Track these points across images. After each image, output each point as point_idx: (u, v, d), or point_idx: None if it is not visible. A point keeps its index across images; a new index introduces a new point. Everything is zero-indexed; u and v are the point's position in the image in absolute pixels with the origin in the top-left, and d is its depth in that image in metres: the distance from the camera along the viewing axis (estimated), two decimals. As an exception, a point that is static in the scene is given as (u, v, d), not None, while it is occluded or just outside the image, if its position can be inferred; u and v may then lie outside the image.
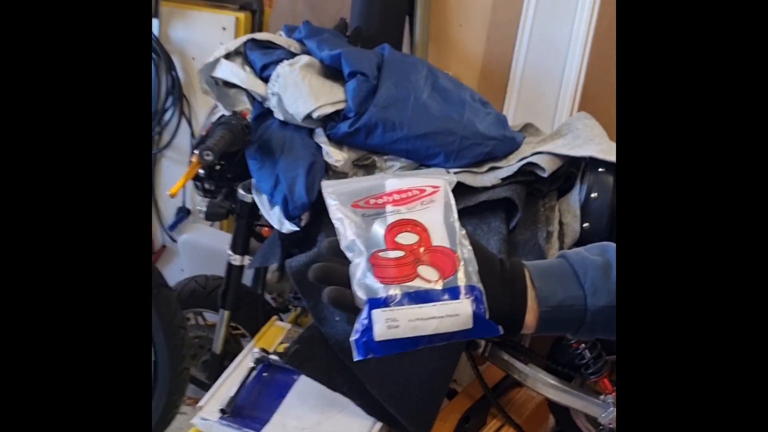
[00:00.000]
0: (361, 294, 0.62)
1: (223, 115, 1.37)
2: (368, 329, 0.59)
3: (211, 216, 1.46)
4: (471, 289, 0.61)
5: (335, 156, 1.34)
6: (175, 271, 2.07)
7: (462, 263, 0.63)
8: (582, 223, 1.29)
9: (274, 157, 1.36)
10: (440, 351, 1.30)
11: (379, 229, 0.66)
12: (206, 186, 1.53)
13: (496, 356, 1.47)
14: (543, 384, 1.42)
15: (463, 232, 0.65)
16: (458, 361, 1.38)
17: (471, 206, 1.29)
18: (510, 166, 1.33)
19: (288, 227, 1.35)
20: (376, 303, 0.60)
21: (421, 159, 1.37)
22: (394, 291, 0.60)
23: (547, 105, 1.88)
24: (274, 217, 1.37)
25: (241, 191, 1.50)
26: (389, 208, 0.67)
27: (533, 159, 1.29)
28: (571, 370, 1.43)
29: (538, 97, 1.89)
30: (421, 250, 0.64)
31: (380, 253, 0.64)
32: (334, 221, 0.68)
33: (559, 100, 1.87)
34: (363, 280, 0.63)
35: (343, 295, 0.64)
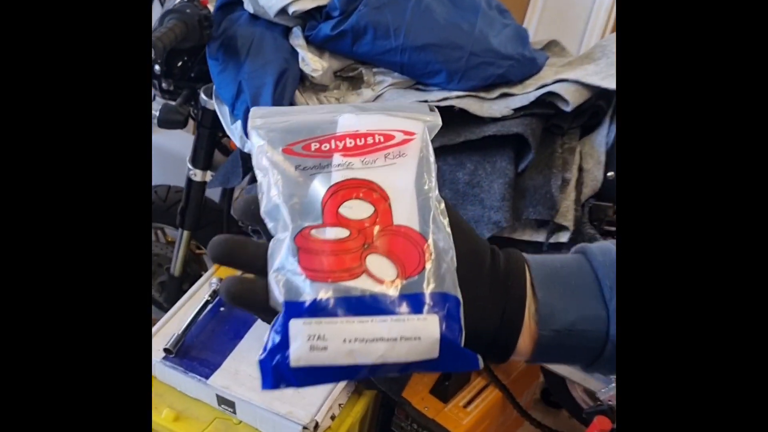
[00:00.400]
0: (277, 291, 0.41)
1: (179, 1, 1.11)
2: (281, 347, 0.40)
3: (164, 123, 1.22)
4: (442, 299, 0.41)
5: (313, 64, 1.09)
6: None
7: (433, 256, 0.42)
8: (606, 171, 1.06)
9: (239, 59, 1.11)
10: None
11: (317, 190, 0.43)
12: (163, 86, 1.28)
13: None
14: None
15: (442, 206, 0.44)
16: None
17: (474, 140, 1.05)
18: (526, 94, 1.08)
19: (249, 147, 1.12)
20: (297, 309, 0.40)
21: (417, 76, 1.11)
22: (326, 293, 0.40)
23: (577, 17, 1.59)
24: (236, 132, 1.14)
25: (203, 96, 1.26)
26: (337, 159, 0.45)
27: (555, 88, 1.04)
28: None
29: (568, 7, 1.59)
30: (376, 230, 0.43)
31: (313, 231, 0.42)
32: (256, 171, 0.46)
33: (592, 11, 1.57)
34: (282, 270, 0.42)
35: (249, 290, 0.43)
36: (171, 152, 1.66)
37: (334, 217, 0.43)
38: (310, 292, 0.40)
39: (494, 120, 1.06)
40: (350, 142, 0.45)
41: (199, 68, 1.26)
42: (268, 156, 0.45)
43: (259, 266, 0.43)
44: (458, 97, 1.08)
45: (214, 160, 1.35)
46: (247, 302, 0.43)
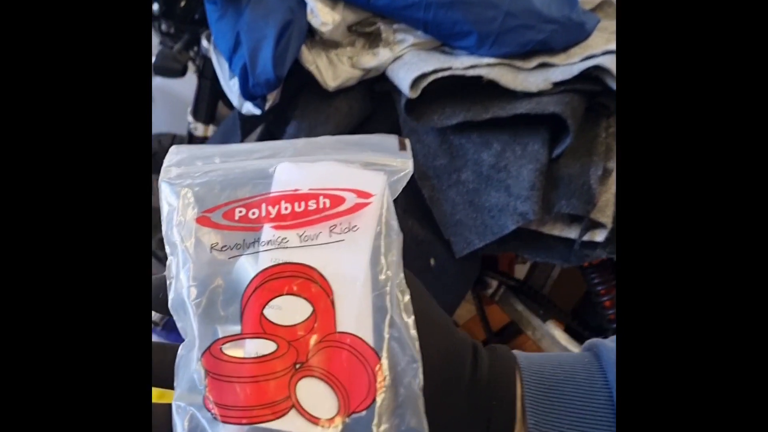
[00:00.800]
0: (179, 426, 0.31)
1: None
2: None
3: (160, 70, 1.09)
4: None
5: (322, 16, 0.93)
6: (155, 121, 1.73)
7: (387, 381, 0.32)
8: (657, 162, 0.90)
9: (239, 6, 0.96)
10: (441, 288, 0.99)
11: (239, 280, 0.32)
12: (163, 28, 1.15)
13: (508, 303, 1.15)
14: (559, 349, 1.10)
15: (407, 298, 0.34)
16: (461, 301, 1.09)
17: (503, 117, 0.89)
18: (569, 65, 0.91)
19: (248, 109, 0.98)
20: None
21: (443, 37, 0.95)
22: None
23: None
24: (233, 90, 1.00)
25: (205, 42, 1.12)
26: (268, 232, 0.35)
27: (604, 61, 0.87)
28: (599, 335, 1.11)
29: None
30: (312, 341, 0.33)
31: (226, 346, 0.31)
32: (165, 243, 0.34)
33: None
34: (186, 401, 0.30)
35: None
36: (179, 97, 1.53)
37: (256, 323, 0.31)
38: None
39: (529, 95, 0.90)
40: (286, 208, 0.33)
41: (203, 9, 1.12)
42: (179, 227, 0.33)
43: (167, 377, 0.33)
44: (489, 65, 0.91)
45: (218, 114, 1.22)
46: None
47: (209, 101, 1.19)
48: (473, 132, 0.94)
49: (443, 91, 0.93)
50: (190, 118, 1.22)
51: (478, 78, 0.90)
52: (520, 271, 1.27)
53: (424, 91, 0.91)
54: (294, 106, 1.01)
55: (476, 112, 0.91)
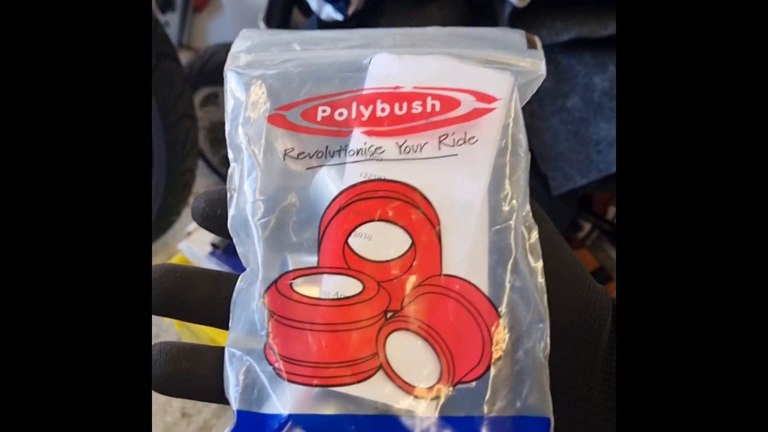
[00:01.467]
0: (232, 384, 0.24)
1: None
2: None
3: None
4: (519, 427, 0.23)
5: None
6: (221, 31, 1.65)
7: (507, 343, 0.24)
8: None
9: None
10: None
11: (318, 198, 0.24)
12: None
13: (601, 249, 1.05)
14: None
15: (534, 236, 0.26)
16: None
17: (596, 38, 0.78)
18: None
19: (328, 13, 0.89)
20: (256, 429, 0.23)
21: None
22: (310, 406, 0.23)
23: None
24: (314, -9, 0.90)
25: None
26: (358, 138, 0.27)
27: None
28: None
29: None
30: (409, 283, 0.24)
31: (298, 282, 0.22)
32: (228, 147, 0.28)
33: None
34: (242, 349, 0.25)
35: (186, 373, 0.26)
36: (249, 2, 1.44)
37: (338, 255, 0.23)
38: (282, 400, 0.23)
39: None
40: (383, 109, 0.26)
41: None
42: (247, 127, 0.26)
43: (219, 315, 0.27)
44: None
45: (293, 22, 1.13)
46: (184, 391, 0.25)
47: (284, 6, 1.09)
48: (586, 52, 0.82)
49: (555, 1, 0.81)
50: (261, 25, 1.13)
51: (600, -13, 0.78)
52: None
53: (533, 0, 0.79)
54: (380, 13, 0.90)
55: (592, 28, 0.79)
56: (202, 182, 1.50)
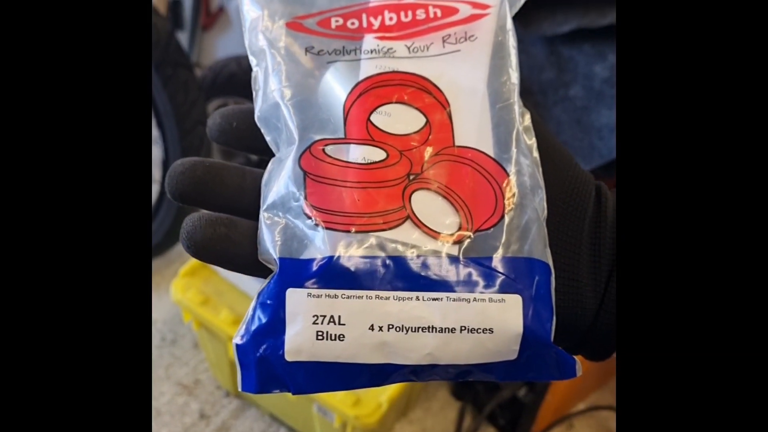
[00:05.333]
0: (269, 241, 0.27)
1: None
2: (272, 330, 0.26)
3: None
4: (528, 267, 0.27)
5: None
6: (229, 48, 1.70)
7: (516, 199, 0.28)
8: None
9: None
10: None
11: (338, 86, 0.27)
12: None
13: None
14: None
15: (528, 119, 0.30)
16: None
17: (596, 28, 0.81)
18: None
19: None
20: (299, 272, 0.26)
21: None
22: (347, 249, 0.26)
23: None
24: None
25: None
26: (370, 42, 0.31)
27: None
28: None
29: None
30: (427, 153, 0.28)
31: (330, 148, 0.26)
32: (249, 57, 0.32)
33: None
34: (279, 208, 0.28)
35: (223, 238, 0.28)
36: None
37: (362, 129, 0.26)
38: (321, 245, 0.26)
39: None
40: (391, 18, 0.30)
41: None
42: (267, 33, 0.29)
43: (245, 204, 0.28)
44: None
45: None
46: (221, 256, 0.28)
47: None
48: (586, 42, 0.85)
49: (555, -7, 0.85)
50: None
51: (597, -22, 0.82)
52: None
53: (534, -7, 0.83)
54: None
55: (592, 18, 0.83)
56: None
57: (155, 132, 1.19)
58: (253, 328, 0.26)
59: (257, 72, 0.30)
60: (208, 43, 1.75)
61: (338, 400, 0.90)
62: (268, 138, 0.29)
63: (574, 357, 0.27)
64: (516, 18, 0.86)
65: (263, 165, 0.29)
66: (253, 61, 0.30)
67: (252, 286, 1.00)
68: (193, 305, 0.98)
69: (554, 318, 0.27)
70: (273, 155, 0.29)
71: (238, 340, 0.26)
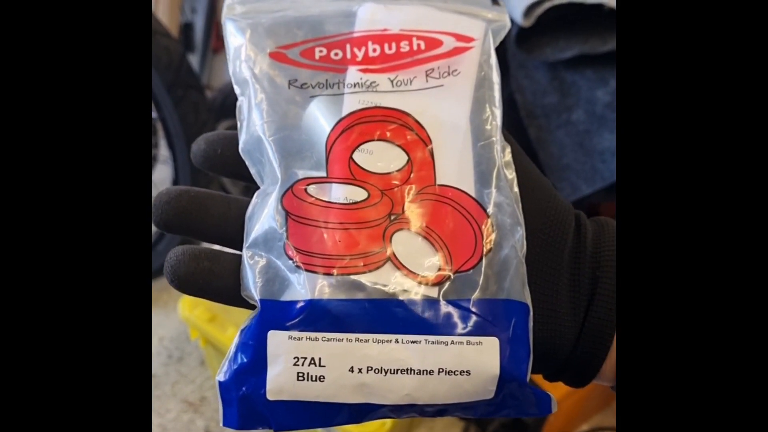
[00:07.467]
0: (251, 280, 0.28)
1: None
2: (254, 369, 0.27)
3: None
4: (505, 309, 0.27)
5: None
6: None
7: (494, 239, 0.28)
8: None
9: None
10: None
11: (321, 121, 0.28)
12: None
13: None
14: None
15: (508, 153, 0.30)
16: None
17: (597, 54, 0.82)
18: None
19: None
20: (280, 314, 0.27)
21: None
22: (327, 292, 0.27)
23: None
24: None
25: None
26: (353, 74, 0.31)
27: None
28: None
29: None
30: (409, 192, 0.29)
31: (311, 188, 0.26)
32: (234, 86, 0.30)
33: None
34: (262, 247, 0.28)
35: (206, 272, 0.29)
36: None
37: (344, 168, 0.27)
38: (302, 288, 0.27)
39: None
40: (374, 50, 0.30)
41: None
42: (249, 62, 0.29)
43: (229, 233, 0.28)
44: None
45: None
46: (204, 289, 0.28)
47: None
48: (588, 68, 0.86)
49: (558, 21, 0.86)
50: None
51: (599, 6, 0.83)
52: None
53: (538, 21, 0.84)
54: None
55: (593, 45, 0.84)
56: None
57: (165, 152, 1.20)
58: (235, 367, 0.26)
59: (242, 102, 0.30)
60: (218, 66, 1.77)
61: (341, 419, 0.90)
62: (252, 170, 0.29)
63: (549, 393, 0.28)
64: (519, 44, 0.87)
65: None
66: (237, 90, 0.31)
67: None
68: (201, 322, 0.99)
69: (531, 356, 0.27)
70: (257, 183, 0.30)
71: (220, 377, 0.27)
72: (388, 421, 0.91)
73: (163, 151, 1.24)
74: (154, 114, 1.16)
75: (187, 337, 1.31)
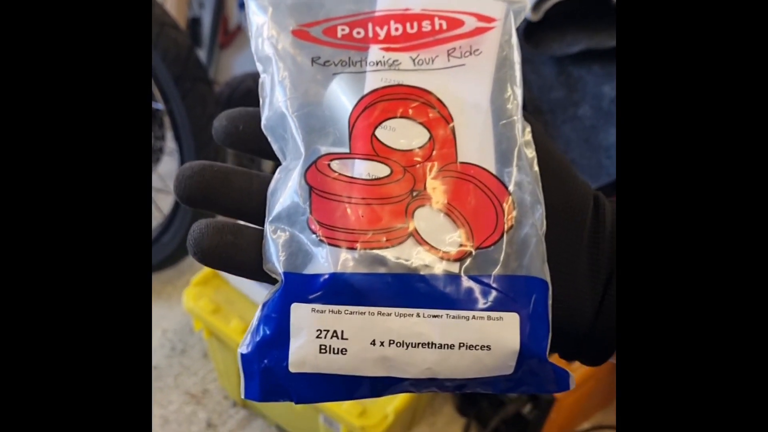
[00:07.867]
0: (274, 254, 0.28)
1: None
2: (276, 342, 0.27)
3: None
4: (526, 285, 0.28)
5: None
6: (246, 66, 1.72)
7: (515, 217, 0.28)
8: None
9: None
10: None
11: (343, 98, 0.28)
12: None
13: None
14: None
15: (528, 133, 0.30)
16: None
17: (604, 49, 0.83)
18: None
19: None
20: (303, 287, 0.27)
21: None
22: (350, 265, 0.27)
23: None
24: None
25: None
26: (375, 53, 0.31)
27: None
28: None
29: None
30: (431, 169, 0.29)
31: (335, 163, 0.27)
32: (256, 64, 0.30)
33: None
34: (285, 221, 0.28)
35: (229, 245, 0.29)
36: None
37: (367, 144, 0.27)
38: (325, 261, 0.27)
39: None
40: (396, 29, 0.30)
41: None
42: (272, 40, 0.30)
43: (251, 208, 0.29)
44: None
45: None
46: (227, 263, 0.28)
47: None
48: (595, 63, 0.87)
49: (566, 16, 0.87)
50: None
51: (606, 1, 0.83)
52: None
53: (545, 15, 0.85)
54: None
55: (600, 40, 0.84)
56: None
57: (172, 144, 1.21)
58: (258, 339, 0.27)
59: (265, 78, 0.30)
60: (225, 61, 1.77)
61: (344, 410, 0.90)
62: (275, 146, 0.30)
63: (568, 371, 0.28)
64: (527, 39, 0.88)
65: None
66: (260, 67, 0.31)
67: (262, 296, 1.01)
68: (204, 314, 1.00)
69: (550, 333, 0.27)
70: (279, 159, 0.30)
71: (243, 349, 0.27)
72: (390, 416, 0.91)
73: (170, 143, 1.24)
74: (161, 106, 1.16)
75: (191, 329, 1.31)
